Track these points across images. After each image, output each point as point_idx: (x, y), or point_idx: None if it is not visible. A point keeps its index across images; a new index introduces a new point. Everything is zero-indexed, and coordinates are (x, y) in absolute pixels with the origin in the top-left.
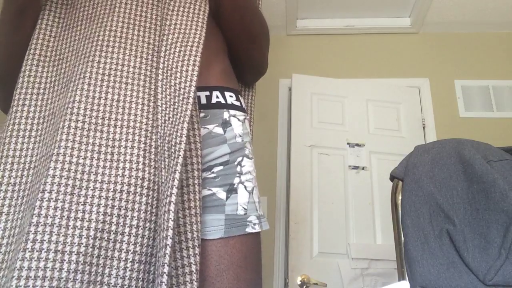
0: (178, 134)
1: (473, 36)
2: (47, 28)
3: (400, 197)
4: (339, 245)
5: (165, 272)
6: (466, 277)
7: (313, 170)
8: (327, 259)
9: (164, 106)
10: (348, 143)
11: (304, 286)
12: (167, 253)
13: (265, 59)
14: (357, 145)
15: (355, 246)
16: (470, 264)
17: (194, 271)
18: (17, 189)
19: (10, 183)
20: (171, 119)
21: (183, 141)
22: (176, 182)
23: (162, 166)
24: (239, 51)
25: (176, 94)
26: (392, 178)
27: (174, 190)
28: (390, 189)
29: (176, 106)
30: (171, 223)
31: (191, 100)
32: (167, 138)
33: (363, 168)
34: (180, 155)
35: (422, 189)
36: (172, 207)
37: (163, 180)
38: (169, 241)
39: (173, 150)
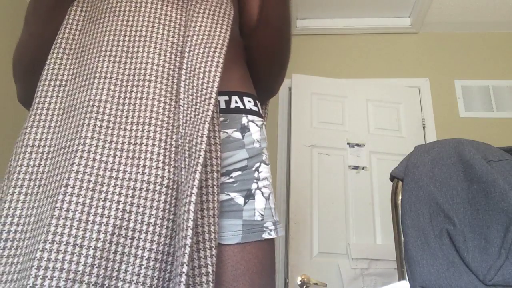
0: (199, 134)
1: (473, 36)
2: (74, 23)
3: (400, 197)
4: (339, 245)
5: (184, 272)
6: (466, 277)
7: (313, 170)
8: (327, 259)
9: (186, 106)
10: (348, 143)
11: (304, 286)
12: (187, 253)
13: (281, 83)
14: (357, 145)
15: (355, 246)
16: (470, 264)
17: (211, 272)
18: (34, 178)
19: (28, 171)
20: (192, 119)
21: (204, 141)
22: (196, 182)
23: (182, 165)
24: (259, 73)
25: (198, 95)
26: (392, 178)
27: (195, 190)
28: (390, 189)
29: (197, 107)
30: (190, 223)
31: (212, 101)
32: (187, 138)
33: (363, 168)
34: (201, 155)
35: (422, 189)
36: (192, 207)
37: (182, 180)
38: (189, 241)
39: (193, 150)
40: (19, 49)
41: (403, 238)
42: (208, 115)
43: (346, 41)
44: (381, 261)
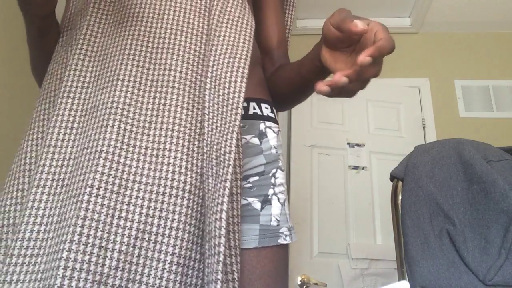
0: (228, 143)
1: (473, 36)
2: (95, 25)
3: (400, 197)
4: (339, 245)
5: (219, 279)
6: (466, 277)
7: (313, 170)
8: (327, 259)
9: (211, 114)
10: (348, 143)
11: (304, 286)
12: (221, 260)
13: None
14: (357, 145)
15: (355, 246)
16: (470, 264)
17: (236, 279)
18: (57, 178)
19: (51, 171)
20: (218, 128)
21: (233, 150)
22: (227, 191)
23: (209, 173)
24: (281, 102)
25: (225, 104)
26: (392, 178)
27: (226, 199)
28: (390, 189)
29: (224, 116)
30: (223, 231)
31: (239, 111)
32: (215, 147)
33: (363, 168)
34: (230, 165)
35: (422, 189)
36: (224, 215)
37: (210, 188)
38: (222, 249)
39: (222, 159)
40: (31, 65)
41: (403, 238)
42: (236, 124)
43: None
44: (381, 261)
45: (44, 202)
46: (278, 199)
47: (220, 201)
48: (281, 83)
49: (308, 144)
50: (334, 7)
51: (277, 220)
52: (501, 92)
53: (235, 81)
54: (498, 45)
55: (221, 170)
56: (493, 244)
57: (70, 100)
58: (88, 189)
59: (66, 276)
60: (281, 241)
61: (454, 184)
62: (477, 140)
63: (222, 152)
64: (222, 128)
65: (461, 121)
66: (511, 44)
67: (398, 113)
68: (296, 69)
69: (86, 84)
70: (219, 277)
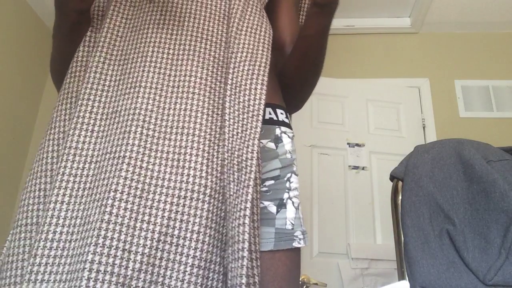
0: (249, 150)
1: (473, 36)
2: (115, 29)
3: (400, 197)
4: (339, 245)
5: (243, 283)
6: (466, 277)
7: (313, 170)
8: (327, 259)
9: (232, 120)
10: (348, 143)
11: (304, 286)
12: (245, 265)
13: (308, 98)
14: (357, 145)
15: (355, 246)
16: (470, 264)
17: (257, 282)
18: (78, 180)
19: (72, 174)
20: (239, 134)
21: (254, 157)
22: (249, 197)
23: (231, 179)
24: (291, 90)
25: (245, 111)
26: (392, 178)
27: (248, 204)
28: (390, 189)
29: (245, 122)
30: (246, 236)
31: (260, 118)
32: (236, 153)
33: (363, 168)
34: (252, 171)
35: (422, 189)
36: (247, 220)
37: (231, 193)
38: (246, 253)
39: (243, 165)
40: (51, 62)
41: (403, 238)
42: (257, 131)
43: (346, 41)
44: (381, 261)
45: (66, 204)
46: (293, 203)
47: (243, 207)
48: (291, 61)
49: (308, 144)
50: None
51: (292, 223)
52: (501, 92)
53: (255, 88)
54: (498, 45)
55: (243, 176)
56: (493, 244)
57: (90, 103)
58: (112, 194)
59: (91, 278)
60: (295, 244)
61: (454, 184)
62: (477, 140)
63: (244, 158)
64: (243, 135)
65: (461, 121)
66: (511, 44)
67: (398, 113)
68: (299, 37)
69: (106, 88)
70: (244, 281)
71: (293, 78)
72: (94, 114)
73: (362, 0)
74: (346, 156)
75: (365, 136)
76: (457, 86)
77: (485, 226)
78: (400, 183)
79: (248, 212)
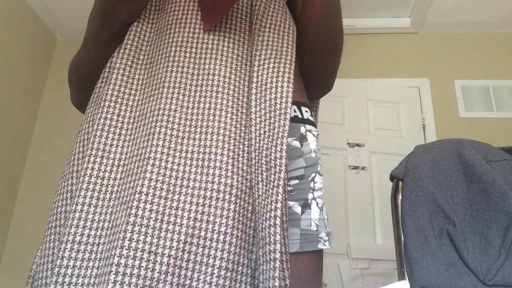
0: (278, 149)
1: (473, 36)
2: (141, 33)
3: (400, 197)
4: (339, 245)
5: (276, 286)
6: (466, 277)
7: None
8: (327, 259)
9: (258, 119)
10: (348, 143)
11: None
12: (277, 267)
13: (336, 73)
14: (357, 145)
15: (355, 246)
16: (470, 264)
17: (288, 284)
18: (106, 183)
19: (99, 176)
20: (267, 133)
21: (283, 156)
22: (280, 197)
23: (259, 179)
24: (316, 63)
25: (272, 109)
26: (392, 178)
27: (279, 205)
28: (390, 189)
29: (272, 121)
30: (278, 237)
31: (288, 116)
32: (264, 152)
33: (363, 168)
34: (282, 170)
35: (422, 189)
36: (278, 221)
37: (260, 193)
38: (278, 255)
39: (272, 165)
40: (77, 65)
41: (403, 238)
42: (286, 130)
43: (346, 41)
44: (381, 261)
45: (93, 206)
46: (317, 203)
47: (273, 207)
48: (304, 32)
49: None
50: None
51: (317, 224)
52: (501, 92)
53: (282, 86)
54: (498, 45)
55: (272, 175)
56: (493, 244)
57: (118, 106)
58: (137, 196)
59: (118, 281)
60: (320, 246)
61: (454, 184)
62: (477, 140)
63: (273, 158)
64: (271, 134)
65: (461, 121)
66: (511, 44)
67: (398, 113)
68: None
69: (133, 92)
70: (277, 284)
71: (309, 31)
72: (122, 117)
73: (362, 0)
74: (346, 156)
75: (365, 136)
76: (457, 86)
77: (485, 226)
78: (400, 183)
79: (279, 212)
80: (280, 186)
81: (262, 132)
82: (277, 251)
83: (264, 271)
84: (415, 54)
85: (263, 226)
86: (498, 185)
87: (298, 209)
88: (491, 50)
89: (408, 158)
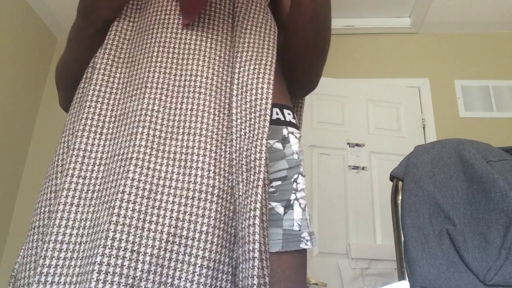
0: (258, 149)
1: (473, 36)
2: (122, 32)
3: (400, 197)
4: (339, 245)
5: (255, 284)
6: (466, 277)
7: (313, 170)
8: (327, 259)
9: (239, 121)
10: (348, 143)
11: None
12: (256, 265)
13: (321, 73)
14: (357, 145)
15: (355, 246)
16: (470, 264)
17: (267, 283)
18: (87, 182)
19: (81, 175)
20: (247, 134)
21: (263, 156)
22: (259, 197)
23: (240, 179)
24: (302, 65)
25: (252, 110)
26: (392, 178)
27: (258, 205)
28: (390, 189)
29: (252, 122)
30: (257, 237)
31: (268, 117)
32: (244, 153)
33: (363, 168)
34: (261, 171)
35: (422, 189)
36: (257, 221)
37: (240, 193)
38: (257, 254)
39: (252, 165)
40: (63, 65)
41: (403, 238)
42: (265, 131)
43: (346, 41)
44: (381, 261)
45: (75, 206)
46: (300, 204)
47: (252, 207)
48: (292, 35)
49: (308, 144)
50: (334, 7)
51: (299, 225)
52: (501, 92)
53: (262, 88)
54: (498, 45)
55: (251, 176)
56: (493, 244)
57: (99, 105)
58: (119, 195)
59: (100, 280)
60: (303, 245)
61: (454, 184)
62: (477, 140)
63: (253, 158)
64: (251, 135)
65: (461, 121)
66: (511, 44)
67: (398, 113)
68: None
69: (114, 91)
70: (255, 282)
71: (296, 33)
72: (103, 116)
73: (362, 0)
74: (346, 156)
75: (365, 136)
76: (457, 86)
77: (485, 226)
78: (400, 183)
79: (258, 212)
80: (260, 187)
81: (242, 133)
82: (256, 250)
83: (244, 270)
84: (415, 54)
85: (243, 226)
86: (498, 185)
87: (280, 209)
88: (491, 50)
89: (408, 158)
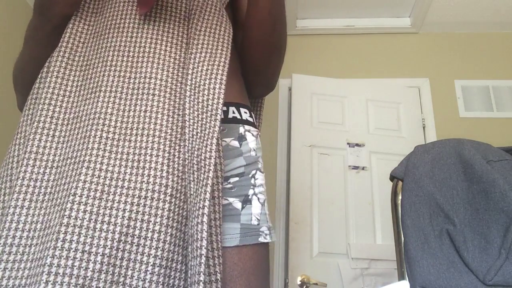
0: (208, 149)
1: (473, 36)
2: (77, 34)
3: (400, 197)
4: (339, 245)
5: (201, 280)
6: (466, 277)
7: (313, 170)
8: (327, 259)
9: (192, 121)
10: (348, 143)
11: (304, 286)
12: (203, 262)
13: (278, 73)
14: (357, 145)
15: (355, 246)
16: (470, 264)
17: (219, 279)
18: (39, 185)
19: (32, 178)
20: (199, 134)
21: (213, 156)
22: (208, 195)
23: (191, 178)
24: (258, 62)
25: (204, 111)
26: (392, 178)
27: (207, 203)
28: (390, 189)
29: (204, 122)
30: (204, 234)
31: (219, 117)
32: (195, 152)
33: (363, 168)
34: (210, 169)
35: (422, 189)
36: (205, 218)
37: (192, 192)
38: (204, 251)
39: (202, 164)
40: (20, 66)
41: (403, 238)
42: (216, 131)
43: (346, 41)
44: (381, 261)
45: (26, 208)
46: (258, 199)
47: (201, 205)
48: (248, 32)
49: (308, 144)
50: (334, 7)
51: (258, 219)
52: (501, 92)
53: (214, 88)
54: (498, 45)
55: (202, 175)
56: (493, 244)
57: (52, 108)
58: (71, 197)
59: (50, 281)
60: (261, 239)
61: (454, 184)
62: (477, 140)
63: (203, 158)
64: (202, 134)
65: (461, 121)
66: (511, 44)
67: (398, 113)
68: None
69: (68, 93)
70: (202, 278)
71: (253, 32)
72: (56, 119)
73: (362, 0)
74: (346, 156)
75: (365, 136)
76: (457, 86)
77: (485, 226)
78: (400, 183)
79: (206, 210)
80: (208, 185)
81: (194, 133)
82: (203, 247)
83: (192, 267)
84: (415, 54)
85: (193, 224)
86: (498, 185)
87: (238, 204)
88: (491, 50)
89: (408, 158)
